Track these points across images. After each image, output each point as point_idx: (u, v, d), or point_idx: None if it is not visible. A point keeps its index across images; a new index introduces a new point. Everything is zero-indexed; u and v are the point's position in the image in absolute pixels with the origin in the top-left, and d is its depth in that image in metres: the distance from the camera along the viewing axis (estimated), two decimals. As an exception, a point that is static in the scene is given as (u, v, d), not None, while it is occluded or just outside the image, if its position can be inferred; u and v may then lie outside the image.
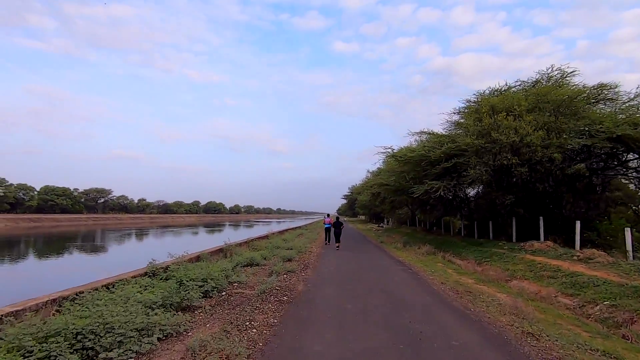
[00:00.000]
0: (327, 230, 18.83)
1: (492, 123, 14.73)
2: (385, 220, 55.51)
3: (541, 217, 15.01)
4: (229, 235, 42.20)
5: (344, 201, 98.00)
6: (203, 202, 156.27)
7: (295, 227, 38.34)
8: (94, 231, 51.51)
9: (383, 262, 12.74)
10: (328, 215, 24.49)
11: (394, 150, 20.10)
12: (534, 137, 13.48)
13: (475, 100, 18.92)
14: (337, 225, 17.23)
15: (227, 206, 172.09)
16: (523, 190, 15.24)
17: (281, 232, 23.22)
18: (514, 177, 14.73)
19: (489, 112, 15.44)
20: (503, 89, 19.37)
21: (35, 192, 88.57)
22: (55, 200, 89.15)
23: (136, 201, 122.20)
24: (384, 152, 20.21)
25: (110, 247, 28.66)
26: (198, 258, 9.27)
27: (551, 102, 15.84)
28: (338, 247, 16.39)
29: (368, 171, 39.77)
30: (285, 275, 8.76)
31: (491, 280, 10.06)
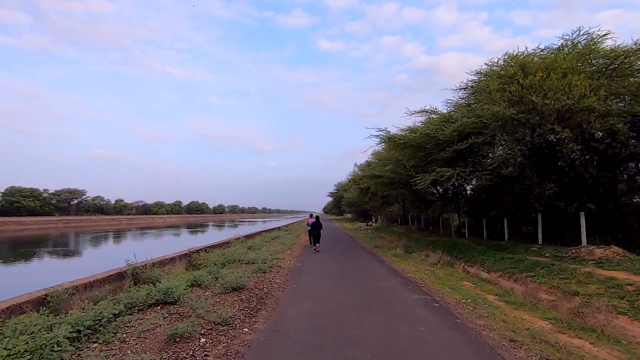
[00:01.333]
0: (310, 232, 16.57)
1: (528, 86, 10.56)
2: (374, 218, 51.44)
3: (582, 213, 10.99)
4: (197, 238, 37.07)
5: (330, 199, 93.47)
6: (186, 202, 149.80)
7: (273, 228, 33.68)
8: (60, 235, 45.78)
9: (388, 283, 8.32)
10: (311, 215, 20.53)
11: (391, 133, 15.73)
12: (594, 99, 9.36)
13: (491, 68, 14.72)
14: (317, 226, 15.47)
15: (211, 206, 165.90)
16: (567, 176, 11.15)
17: (249, 237, 18.45)
18: (560, 159, 10.60)
19: (518, 73, 11.29)
20: (521, 56, 15.30)
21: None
22: (22, 202, 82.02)
23: (113, 202, 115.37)
24: (378, 135, 15.81)
25: (46, 255, 23.39)
26: (43, 301, 4.65)
27: (596, 61, 11.91)
28: (317, 249, 14.69)
29: (355, 165, 35.35)
30: (203, 339, 4.23)
31: (583, 326, 5.72)
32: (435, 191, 24.31)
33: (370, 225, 40.52)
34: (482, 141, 12.21)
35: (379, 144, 16.28)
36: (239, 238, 15.56)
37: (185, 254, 9.57)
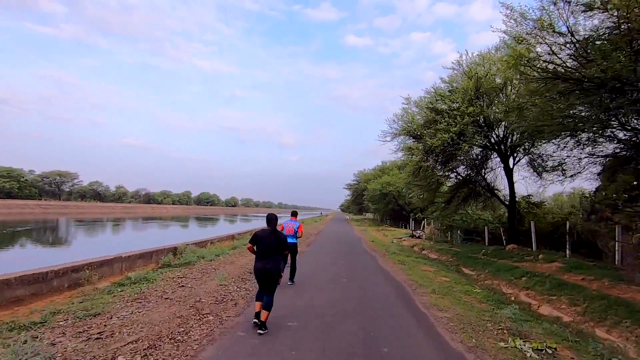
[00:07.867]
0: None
1: None
2: (412, 222, 33.37)
3: None
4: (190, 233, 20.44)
5: (348, 193, 73.50)
6: (199, 193, 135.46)
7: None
8: (21, 222, 31.43)
9: None
10: (294, 213, 4.76)
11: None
12: None
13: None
14: (269, 252, 3.91)
15: (224, 198, 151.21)
16: None
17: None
18: None
19: None
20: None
21: (-30, 172, 67.46)
22: (-4, 183, 67.88)
23: (113, 189, 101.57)
24: None
25: None
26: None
27: None
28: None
29: (406, 102, 15.46)
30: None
31: None
32: None
33: (419, 236, 22.39)
34: None
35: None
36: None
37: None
